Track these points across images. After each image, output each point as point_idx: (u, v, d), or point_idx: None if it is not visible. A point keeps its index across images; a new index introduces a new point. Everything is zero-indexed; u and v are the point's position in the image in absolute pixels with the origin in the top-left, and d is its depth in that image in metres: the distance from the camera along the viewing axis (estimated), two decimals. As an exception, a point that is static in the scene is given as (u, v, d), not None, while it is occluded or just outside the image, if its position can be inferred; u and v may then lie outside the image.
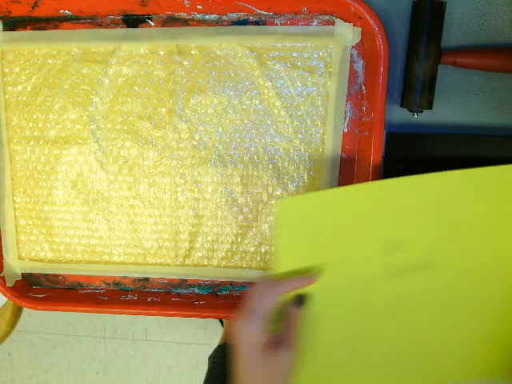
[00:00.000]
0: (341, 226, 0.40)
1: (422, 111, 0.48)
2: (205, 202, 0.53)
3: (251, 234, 0.53)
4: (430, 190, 0.39)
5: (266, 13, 0.49)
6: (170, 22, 0.51)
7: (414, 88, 0.46)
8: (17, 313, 0.63)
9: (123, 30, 0.51)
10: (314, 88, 0.50)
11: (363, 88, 0.49)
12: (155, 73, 0.51)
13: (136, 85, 0.52)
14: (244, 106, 0.51)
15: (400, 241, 0.40)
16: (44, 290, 0.58)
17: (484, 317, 0.42)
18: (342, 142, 0.51)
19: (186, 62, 0.51)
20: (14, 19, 0.52)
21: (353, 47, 0.49)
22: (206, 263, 0.55)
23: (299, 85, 0.50)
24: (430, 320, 0.42)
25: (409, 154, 0.50)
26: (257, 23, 0.49)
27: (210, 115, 0.52)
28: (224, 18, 0.50)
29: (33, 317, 0.70)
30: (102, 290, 0.57)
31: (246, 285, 0.55)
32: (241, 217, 0.53)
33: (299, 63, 0.49)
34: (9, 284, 0.56)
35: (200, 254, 0.55)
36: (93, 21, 0.51)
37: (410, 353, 0.43)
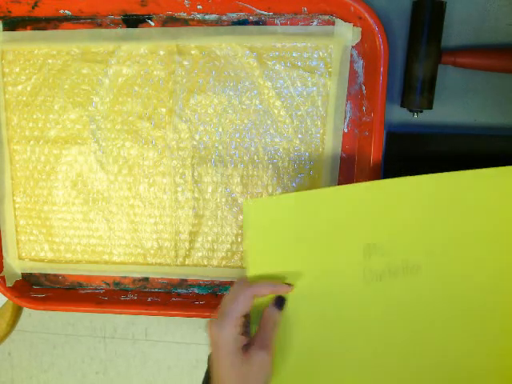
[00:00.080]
0: (316, 228, 0.39)
1: (421, 111, 0.48)
2: (205, 202, 0.53)
3: (251, 233, 0.53)
4: (411, 193, 0.39)
5: (266, 13, 0.49)
6: (170, 22, 0.51)
7: (414, 88, 0.46)
8: (17, 313, 0.63)
9: (123, 30, 0.51)
10: (314, 88, 0.50)
11: (363, 88, 0.49)
12: (155, 73, 0.51)
13: (136, 85, 0.52)
14: (244, 106, 0.51)
15: (380, 244, 0.39)
16: (44, 289, 0.58)
17: (471, 319, 0.41)
18: (342, 141, 0.51)
19: (186, 62, 0.51)
20: (14, 19, 0.52)
21: (353, 47, 0.49)
22: (205, 263, 0.55)
23: (299, 85, 0.50)
24: (413, 322, 0.41)
25: (409, 154, 0.50)
26: (257, 23, 0.49)
27: (210, 115, 0.52)
28: (224, 17, 0.50)
29: (33, 317, 0.70)
30: (101, 290, 0.57)
31: (246, 285, 0.55)
32: (241, 217, 0.53)
33: (299, 63, 0.49)
34: (9, 284, 0.56)
35: (200, 254, 0.55)
36: (93, 21, 0.51)
37: (392, 355, 0.42)
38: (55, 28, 0.52)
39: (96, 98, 0.52)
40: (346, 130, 0.51)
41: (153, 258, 0.55)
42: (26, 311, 0.67)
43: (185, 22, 0.50)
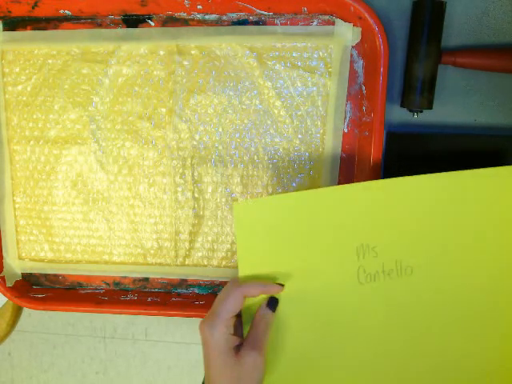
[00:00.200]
0: (308, 229, 0.39)
1: (421, 111, 0.48)
2: (205, 202, 0.53)
3: (251, 233, 0.53)
4: (405, 193, 0.38)
5: (266, 13, 0.49)
6: (170, 22, 0.51)
7: (414, 88, 0.46)
8: (17, 313, 0.63)
9: (123, 30, 0.51)
10: (314, 88, 0.50)
11: (363, 88, 0.49)
12: (155, 73, 0.51)
13: (136, 85, 0.52)
14: (244, 106, 0.51)
15: (374, 245, 0.39)
16: (44, 290, 0.58)
17: (467, 321, 0.41)
18: (342, 141, 0.51)
19: (186, 62, 0.51)
20: (14, 19, 0.52)
21: (353, 47, 0.49)
22: (205, 263, 0.55)
23: (299, 85, 0.50)
24: (408, 323, 0.41)
25: (409, 154, 0.50)
26: (257, 23, 0.49)
27: (210, 115, 0.52)
28: (224, 17, 0.50)
29: (33, 317, 0.70)
30: (101, 290, 0.57)
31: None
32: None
33: (299, 63, 0.49)
34: (9, 284, 0.56)
35: (200, 254, 0.55)
36: (93, 21, 0.51)
37: (386, 356, 0.42)
38: (55, 28, 0.52)
39: (96, 98, 0.52)
40: (346, 130, 0.51)
41: (153, 257, 0.55)
42: (26, 311, 0.67)
43: (185, 22, 0.50)
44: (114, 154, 0.53)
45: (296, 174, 0.52)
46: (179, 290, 0.56)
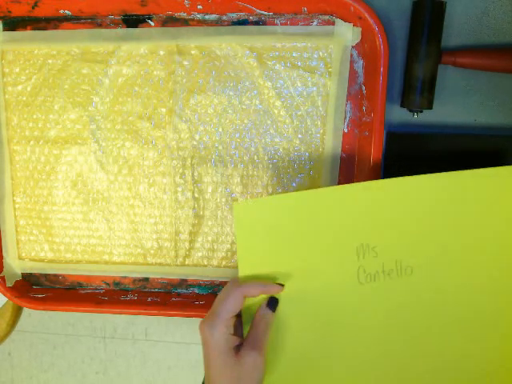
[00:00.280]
0: (308, 229, 0.39)
1: (421, 111, 0.48)
2: (205, 202, 0.53)
3: (251, 233, 0.53)
4: (405, 193, 0.38)
5: (266, 13, 0.49)
6: (170, 22, 0.51)
7: (414, 88, 0.46)
8: (17, 313, 0.63)
9: (123, 30, 0.51)
10: (314, 88, 0.50)
11: (363, 88, 0.49)
12: (155, 73, 0.51)
13: (136, 85, 0.52)
14: (244, 106, 0.51)
15: (374, 245, 0.39)
16: (44, 290, 0.58)
17: (467, 322, 0.41)
18: (342, 141, 0.51)
19: (186, 62, 0.51)
20: (14, 19, 0.52)
21: (353, 47, 0.49)
22: (205, 263, 0.55)
23: (299, 85, 0.50)
24: (408, 323, 0.41)
25: (409, 153, 0.50)
26: (257, 23, 0.49)
27: (210, 115, 0.52)
28: (224, 17, 0.50)
29: (33, 317, 0.70)
30: (102, 290, 0.57)
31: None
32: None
33: (299, 63, 0.49)
34: (9, 284, 0.56)
35: (200, 254, 0.55)
36: (93, 21, 0.51)
37: (387, 356, 0.42)
38: (55, 28, 0.52)
39: (96, 98, 0.52)
40: (346, 130, 0.51)
41: (153, 257, 0.55)
42: (26, 311, 0.67)
43: (185, 22, 0.50)
44: (114, 154, 0.53)
45: (296, 174, 0.52)
46: (179, 290, 0.56)
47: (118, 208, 0.54)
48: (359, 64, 0.49)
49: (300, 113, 0.50)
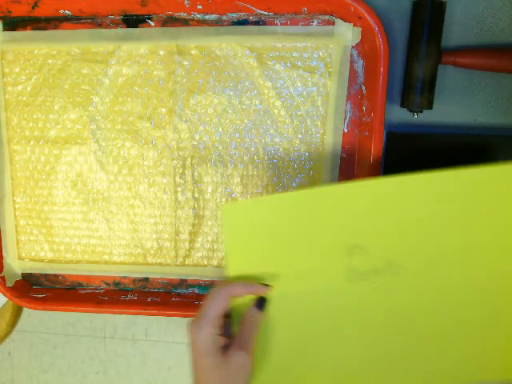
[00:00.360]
0: (296, 229, 0.39)
1: (421, 111, 0.48)
2: (205, 202, 0.53)
3: (251, 234, 0.53)
4: (394, 192, 0.38)
5: (266, 13, 0.49)
6: (170, 22, 0.51)
7: (414, 88, 0.46)
8: (17, 313, 0.63)
9: (123, 30, 0.51)
10: (314, 88, 0.50)
11: (363, 88, 0.49)
12: (155, 73, 0.51)
13: (136, 85, 0.52)
14: (244, 106, 0.51)
15: (363, 244, 0.39)
16: (44, 289, 0.58)
17: (458, 320, 0.41)
18: (342, 141, 0.51)
19: (186, 62, 0.51)
20: (14, 19, 0.52)
21: (353, 47, 0.49)
22: (205, 263, 0.55)
23: (299, 85, 0.50)
24: (399, 321, 0.41)
25: (409, 154, 0.50)
26: (257, 23, 0.49)
27: (210, 115, 0.52)
28: (224, 17, 0.50)
29: (33, 317, 0.70)
30: (102, 290, 0.57)
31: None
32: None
33: (299, 63, 0.49)
34: (9, 284, 0.56)
35: (200, 254, 0.55)
36: (93, 21, 0.51)
37: (377, 354, 0.42)
38: (55, 28, 0.52)
39: (96, 98, 0.52)
40: (346, 130, 0.51)
41: (153, 258, 0.55)
42: (26, 311, 0.67)
43: (185, 22, 0.50)
44: (114, 154, 0.53)
45: (296, 174, 0.52)
46: (179, 290, 0.56)
47: (118, 208, 0.54)
48: (359, 64, 0.49)
49: (300, 113, 0.50)
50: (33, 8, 0.50)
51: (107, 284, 0.57)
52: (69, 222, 0.55)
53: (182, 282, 0.56)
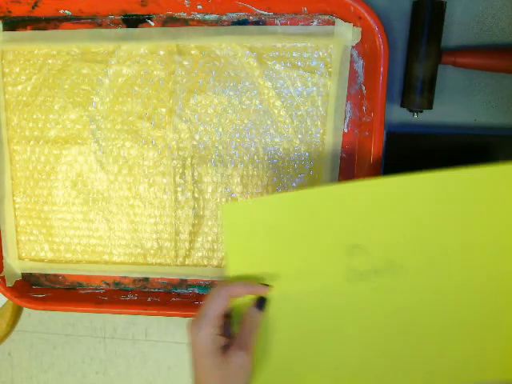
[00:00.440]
0: (296, 229, 0.39)
1: (421, 111, 0.48)
2: (205, 202, 0.53)
3: (251, 234, 0.53)
4: (394, 192, 0.38)
5: (266, 13, 0.49)
6: (170, 22, 0.51)
7: (414, 88, 0.46)
8: (17, 313, 0.63)
9: (123, 30, 0.51)
10: (314, 88, 0.50)
11: (363, 88, 0.49)
12: (155, 73, 0.51)
13: (136, 85, 0.52)
14: (244, 106, 0.51)
15: (363, 244, 0.39)
16: (44, 289, 0.58)
17: (459, 320, 0.41)
18: (342, 141, 0.51)
19: (186, 62, 0.51)
20: (14, 19, 0.52)
21: (353, 47, 0.49)
22: (205, 263, 0.55)
23: (299, 85, 0.50)
24: (399, 321, 0.41)
25: (409, 154, 0.50)
26: (257, 23, 0.49)
27: (210, 115, 0.52)
28: (224, 17, 0.50)
29: (33, 317, 0.70)
30: (102, 290, 0.57)
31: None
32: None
33: (299, 63, 0.49)
34: (9, 284, 0.56)
35: (200, 254, 0.55)
36: (93, 21, 0.51)
37: (377, 354, 0.42)
38: (55, 28, 0.52)
39: (96, 98, 0.52)
40: (346, 130, 0.51)
41: (153, 257, 0.55)
42: (26, 311, 0.66)
43: (185, 22, 0.50)
44: (114, 154, 0.53)
45: (296, 174, 0.52)
46: (179, 290, 0.56)
47: (118, 208, 0.54)
48: (359, 64, 0.49)
49: (300, 113, 0.50)
50: (33, 8, 0.50)
51: (107, 284, 0.57)
52: (69, 222, 0.55)
53: (182, 282, 0.56)
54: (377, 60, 0.46)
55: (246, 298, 0.40)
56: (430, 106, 0.47)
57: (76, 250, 0.56)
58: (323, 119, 0.50)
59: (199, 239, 0.54)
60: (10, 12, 0.51)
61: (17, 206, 0.56)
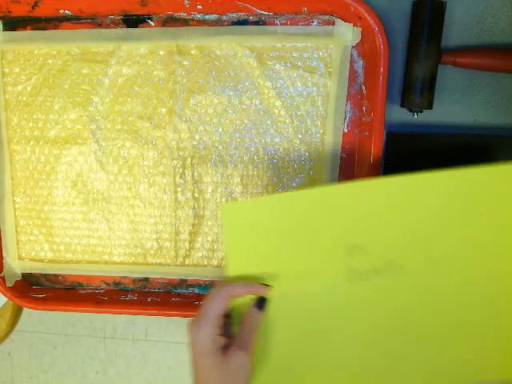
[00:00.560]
0: (296, 229, 0.39)
1: (421, 111, 0.48)
2: (205, 202, 0.53)
3: (251, 234, 0.53)
4: (394, 192, 0.38)
5: (266, 13, 0.49)
6: (170, 22, 0.51)
7: (414, 88, 0.46)
8: (17, 313, 0.63)
9: (123, 30, 0.51)
10: (314, 88, 0.50)
11: (363, 88, 0.49)
12: (155, 73, 0.51)
13: (136, 85, 0.52)
14: (244, 106, 0.51)
15: (363, 244, 0.39)
16: (44, 289, 0.58)
17: (458, 320, 0.41)
18: (342, 141, 0.51)
19: (186, 62, 0.51)
20: (14, 19, 0.52)
21: (353, 47, 0.49)
22: (205, 263, 0.55)
23: (299, 85, 0.50)
24: (399, 321, 0.41)
25: (409, 154, 0.50)
26: (257, 23, 0.49)
27: (210, 115, 0.51)
28: (224, 18, 0.50)
29: (33, 317, 0.70)
30: (102, 290, 0.57)
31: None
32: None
33: (299, 63, 0.49)
34: (9, 284, 0.56)
35: (200, 254, 0.55)
36: (93, 21, 0.51)
37: (377, 354, 0.42)
38: (55, 28, 0.52)
39: (96, 98, 0.52)
40: (346, 130, 0.51)
41: (153, 257, 0.55)
42: (26, 311, 0.66)
43: (185, 22, 0.50)
44: (114, 154, 0.53)
45: (296, 174, 0.52)
46: (179, 290, 0.56)
47: (118, 208, 0.54)
48: (359, 64, 0.49)
49: (300, 113, 0.50)
50: (33, 8, 0.50)
51: (107, 284, 0.57)
52: (69, 222, 0.55)
53: (182, 282, 0.56)
54: (377, 60, 0.46)
55: (246, 298, 0.40)
56: (430, 106, 0.47)
57: (76, 250, 0.56)
58: (323, 119, 0.50)
59: (199, 239, 0.54)
60: (10, 12, 0.51)
61: (17, 206, 0.56)
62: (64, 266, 0.57)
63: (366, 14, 0.45)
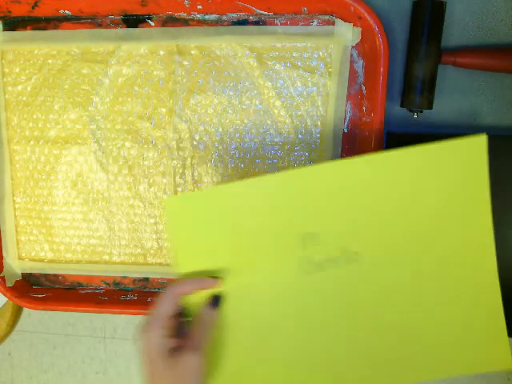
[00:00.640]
0: (247, 221, 0.38)
1: (421, 111, 0.48)
2: (205, 202, 0.53)
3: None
4: (343, 178, 0.37)
5: (266, 13, 0.49)
6: (170, 22, 0.51)
7: (414, 88, 0.46)
8: (17, 313, 0.63)
9: (123, 30, 0.51)
10: (314, 88, 0.50)
11: (363, 88, 0.49)
12: (155, 73, 0.51)
13: (136, 85, 0.52)
14: (244, 106, 0.51)
15: (317, 233, 0.38)
16: (44, 290, 0.58)
17: (416, 307, 0.40)
18: (342, 141, 0.51)
19: (186, 62, 0.51)
20: (14, 19, 0.52)
21: (353, 47, 0.49)
22: (205, 263, 0.55)
23: (299, 85, 0.50)
24: (358, 310, 0.40)
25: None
26: (257, 23, 0.49)
27: (210, 115, 0.52)
28: (224, 18, 0.50)
29: (33, 317, 0.70)
30: (102, 290, 0.57)
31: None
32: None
33: (299, 63, 0.49)
34: (9, 284, 0.56)
35: (200, 254, 0.55)
36: (93, 21, 0.51)
37: (336, 345, 0.40)
38: (55, 28, 0.52)
39: (96, 98, 0.52)
40: (345, 130, 0.51)
41: (153, 258, 0.55)
42: (26, 311, 0.66)
43: (185, 22, 0.50)
44: (114, 154, 0.53)
45: (296, 174, 0.52)
46: (179, 290, 0.56)
47: (117, 208, 0.54)
48: (359, 64, 0.49)
49: (300, 113, 0.50)
50: (33, 8, 0.50)
51: (107, 284, 0.57)
52: (69, 222, 0.55)
53: (182, 282, 0.56)
54: (377, 60, 0.46)
55: (201, 297, 0.38)
56: (430, 106, 0.47)
57: (76, 249, 0.56)
58: (323, 119, 0.50)
59: (199, 239, 0.54)
60: (10, 12, 0.51)
61: (17, 206, 0.56)
62: (64, 265, 0.57)
63: (365, 14, 0.45)
